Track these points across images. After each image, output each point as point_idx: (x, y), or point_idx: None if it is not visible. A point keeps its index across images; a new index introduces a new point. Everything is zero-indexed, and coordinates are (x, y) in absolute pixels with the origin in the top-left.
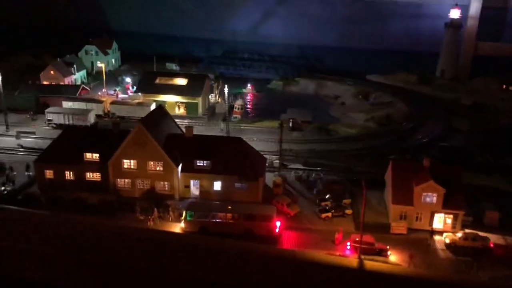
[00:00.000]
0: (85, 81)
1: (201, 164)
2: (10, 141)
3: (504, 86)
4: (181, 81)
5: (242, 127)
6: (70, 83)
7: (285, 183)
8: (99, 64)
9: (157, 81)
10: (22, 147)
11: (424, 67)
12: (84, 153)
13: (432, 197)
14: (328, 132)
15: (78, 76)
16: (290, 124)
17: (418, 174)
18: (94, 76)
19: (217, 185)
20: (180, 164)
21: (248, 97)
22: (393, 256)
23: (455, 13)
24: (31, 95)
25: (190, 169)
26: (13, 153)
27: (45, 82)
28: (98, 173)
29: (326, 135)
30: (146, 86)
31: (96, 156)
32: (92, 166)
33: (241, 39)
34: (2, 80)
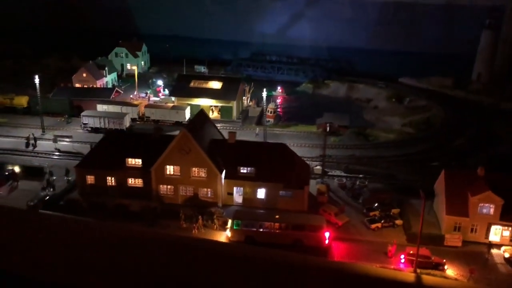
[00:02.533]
0: (116, 84)
1: (245, 171)
2: (46, 145)
3: None
4: (216, 85)
5: (277, 132)
6: (101, 86)
7: (329, 191)
8: (128, 66)
9: (191, 84)
10: (59, 151)
11: (458, 70)
12: (126, 159)
13: (489, 208)
14: (367, 137)
15: (109, 79)
16: (327, 129)
17: (474, 184)
18: (124, 78)
19: (261, 193)
20: (224, 171)
21: (278, 100)
22: (450, 270)
23: (492, 15)
24: (65, 98)
25: (233, 176)
26: (49, 157)
27: (77, 85)
28: (140, 179)
29: (365, 141)
30: (181, 89)
31: (138, 161)
32: (134, 172)
33: (270, 41)
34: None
